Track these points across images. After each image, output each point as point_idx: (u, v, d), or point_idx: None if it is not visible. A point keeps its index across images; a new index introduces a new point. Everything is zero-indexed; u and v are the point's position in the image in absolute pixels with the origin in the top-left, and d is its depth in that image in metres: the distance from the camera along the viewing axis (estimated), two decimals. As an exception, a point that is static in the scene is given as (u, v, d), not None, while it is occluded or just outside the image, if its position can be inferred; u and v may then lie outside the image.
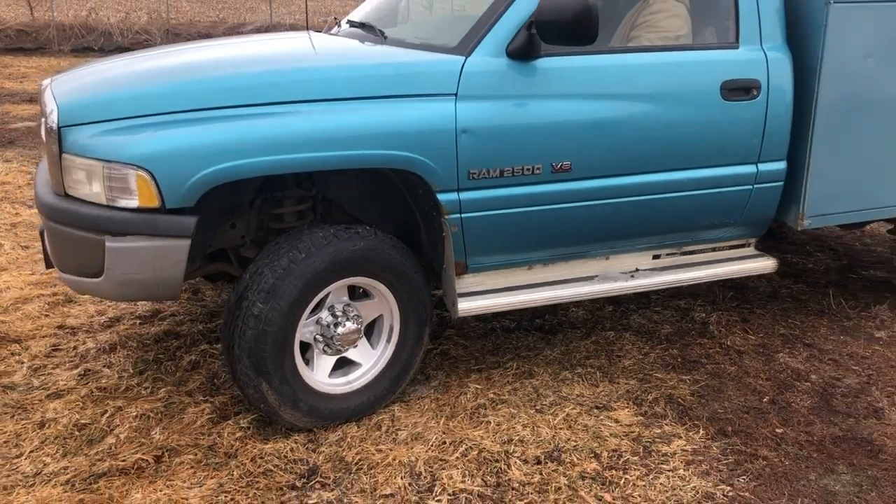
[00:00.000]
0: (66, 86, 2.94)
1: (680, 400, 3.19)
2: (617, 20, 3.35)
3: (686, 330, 3.87)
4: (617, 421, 3.01)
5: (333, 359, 2.96)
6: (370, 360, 3.02)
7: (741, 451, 2.85)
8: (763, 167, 3.36)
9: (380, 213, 3.22)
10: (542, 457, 2.76)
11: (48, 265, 3.16)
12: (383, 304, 2.99)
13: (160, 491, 2.53)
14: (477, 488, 2.58)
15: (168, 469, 2.66)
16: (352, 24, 3.74)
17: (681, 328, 3.89)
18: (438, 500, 2.52)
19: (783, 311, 4.14)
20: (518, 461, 2.73)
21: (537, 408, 3.09)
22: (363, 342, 3.01)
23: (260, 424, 2.93)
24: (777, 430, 3.00)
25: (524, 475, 2.65)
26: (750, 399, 3.23)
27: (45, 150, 2.87)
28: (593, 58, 3.04)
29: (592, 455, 2.79)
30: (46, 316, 3.87)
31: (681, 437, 2.92)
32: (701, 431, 2.96)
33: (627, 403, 3.15)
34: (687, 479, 2.67)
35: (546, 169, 2.96)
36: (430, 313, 3.08)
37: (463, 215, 2.90)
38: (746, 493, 2.61)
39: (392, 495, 2.54)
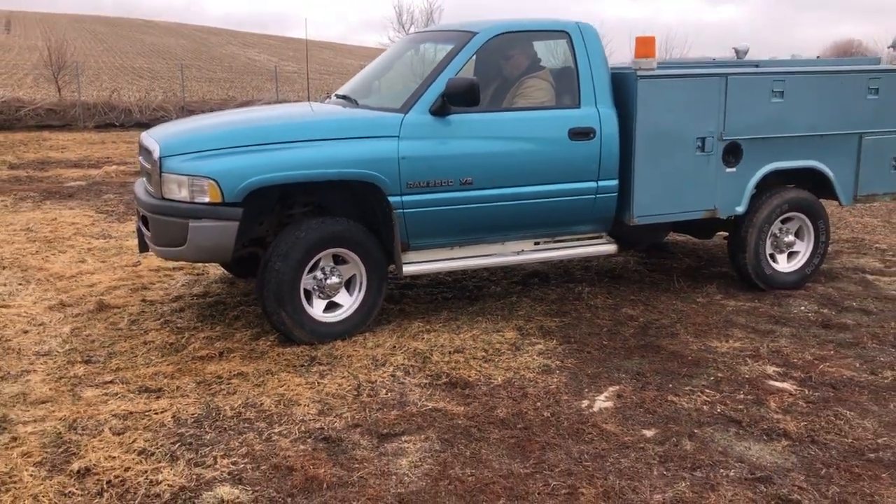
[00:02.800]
0: (159, 134, 4.87)
1: (547, 329, 5.01)
2: (505, 92, 5.28)
3: (566, 297, 5.70)
4: (504, 337, 4.82)
5: (325, 302, 4.78)
6: (348, 302, 4.83)
7: (575, 350, 4.65)
8: (601, 183, 5.20)
9: (355, 213, 5.04)
10: (452, 351, 4.56)
11: (142, 250, 5.05)
12: (356, 267, 4.82)
13: (223, 367, 4.32)
14: (410, 364, 4.38)
15: (226, 359, 4.46)
16: (338, 96, 5.70)
17: (563, 296, 5.72)
18: (387, 368, 4.31)
19: (640, 288, 5.98)
20: (437, 353, 4.53)
21: (455, 332, 4.90)
22: (344, 291, 4.84)
23: (281, 342, 4.72)
24: (604, 342, 4.80)
25: (440, 358, 4.45)
26: (593, 328, 5.04)
27: (143, 173, 4.87)
28: (485, 114, 4.97)
29: (483, 351, 4.59)
30: (131, 296, 5.70)
31: (540, 344, 4.73)
32: (554, 342, 4.77)
33: (513, 330, 4.95)
34: (536, 359, 4.47)
35: (456, 182, 4.82)
36: (386, 274, 4.91)
37: (404, 211, 4.74)
38: (570, 365, 4.41)
39: (360, 367, 4.33)
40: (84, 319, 5.13)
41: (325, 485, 3.11)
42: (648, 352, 4.64)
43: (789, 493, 3.09)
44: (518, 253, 5.23)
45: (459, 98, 4.66)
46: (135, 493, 3.01)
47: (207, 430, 3.56)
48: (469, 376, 4.21)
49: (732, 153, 5.46)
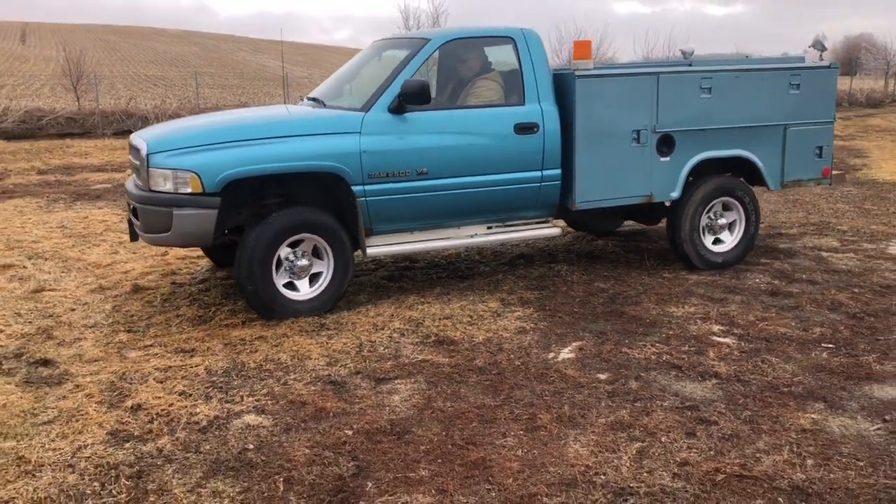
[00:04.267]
0: (147, 135, 5.42)
1: (526, 300, 5.72)
2: (459, 92, 5.87)
3: (547, 275, 6.40)
4: (488, 306, 5.53)
5: (296, 281, 5.29)
6: (317, 282, 5.34)
7: (548, 315, 5.36)
8: (545, 172, 5.78)
9: (323, 203, 5.47)
10: (441, 318, 5.28)
11: (133, 238, 5.69)
12: (324, 253, 5.33)
13: (245, 332, 5.05)
14: (405, 328, 5.10)
15: (248, 326, 5.19)
16: (309, 98, 6.24)
17: (544, 274, 6.43)
18: (385, 331, 5.03)
19: (614, 266, 6.68)
20: (429, 320, 5.25)
21: (445, 303, 5.62)
22: (315, 270, 5.35)
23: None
24: (574, 309, 5.50)
25: (431, 323, 5.17)
26: (567, 299, 5.74)
27: (133, 170, 5.53)
28: (438, 112, 5.57)
29: (468, 317, 5.30)
30: (162, 280, 6.45)
31: (519, 311, 5.43)
32: (531, 310, 5.48)
33: (496, 301, 5.66)
34: (514, 323, 5.18)
35: (413, 172, 5.38)
36: (351, 256, 5.37)
37: (367, 199, 5.29)
38: (542, 327, 5.12)
39: (362, 330, 5.05)
40: (122, 299, 5.88)
41: (331, 413, 3.83)
42: (612, 316, 5.34)
43: (709, 416, 3.78)
44: (472, 236, 5.81)
45: (413, 97, 5.24)
46: (178, 421, 3.74)
47: (234, 378, 4.29)
48: (454, 336, 4.93)
49: (666, 144, 6.06)
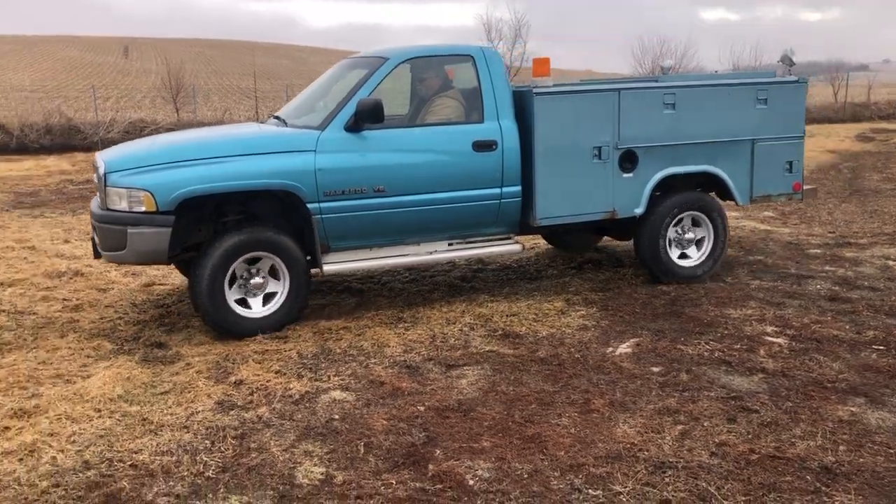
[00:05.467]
0: (107, 154, 5.46)
1: (591, 300, 6.09)
2: (419, 110, 5.90)
3: (612, 278, 6.75)
4: (553, 305, 5.93)
5: (251, 299, 5.30)
6: (273, 299, 5.36)
7: (610, 315, 5.72)
8: (505, 189, 5.75)
9: (283, 220, 5.49)
10: (509, 314, 5.70)
11: (96, 256, 5.60)
12: (279, 267, 5.33)
13: (332, 323, 5.59)
14: (474, 322, 5.54)
15: (334, 318, 5.73)
16: (274, 116, 6.24)
17: (610, 277, 6.78)
18: (456, 325, 5.49)
19: (678, 271, 6.98)
20: (497, 316, 5.68)
21: (513, 302, 6.04)
22: (271, 287, 5.35)
23: (376, 307, 5.97)
24: (636, 310, 5.85)
25: (499, 319, 5.60)
26: (629, 300, 6.09)
27: (97, 188, 5.44)
28: (395, 130, 5.57)
29: (534, 315, 5.71)
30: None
31: (582, 311, 5.82)
32: (594, 309, 5.85)
33: (562, 301, 6.06)
34: (577, 320, 5.57)
35: (370, 190, 5.37)
36: (307, 273, 5.37)
37: (322, 216, 5.28)
38: (603, 325, 5.49)
39: (436, 324, 5.52)
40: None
41: (406, 392, 4.32)
42: (671, 317, 5.66)
43: (752, 406, 4.10)
44: (431, 253, 5.83)
45: (367, 115, 5.27)
46: (275, 395, 4.30)
47: (322, 361, 4.84)
48: (520, 331, 5.36)
49: (629, 160, 6.05)
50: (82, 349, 5.08)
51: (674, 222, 6.37)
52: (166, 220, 5.00)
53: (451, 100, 5.86)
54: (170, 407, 4.15)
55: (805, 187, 6.84)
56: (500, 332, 5.35)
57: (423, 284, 6.74)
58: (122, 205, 5.05)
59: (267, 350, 5.03)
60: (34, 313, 5.96)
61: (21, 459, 3.56)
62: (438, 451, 3.64)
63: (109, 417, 4.01)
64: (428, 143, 5.60)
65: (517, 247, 6.07)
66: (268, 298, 5.40)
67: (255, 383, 4.45)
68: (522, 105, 5.86)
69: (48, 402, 4.17)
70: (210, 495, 3.26)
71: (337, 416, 4.03)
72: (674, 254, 6.45)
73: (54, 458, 3.57)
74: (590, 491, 3.27)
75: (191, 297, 5.30)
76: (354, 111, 5.36)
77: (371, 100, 5.29)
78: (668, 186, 6.34)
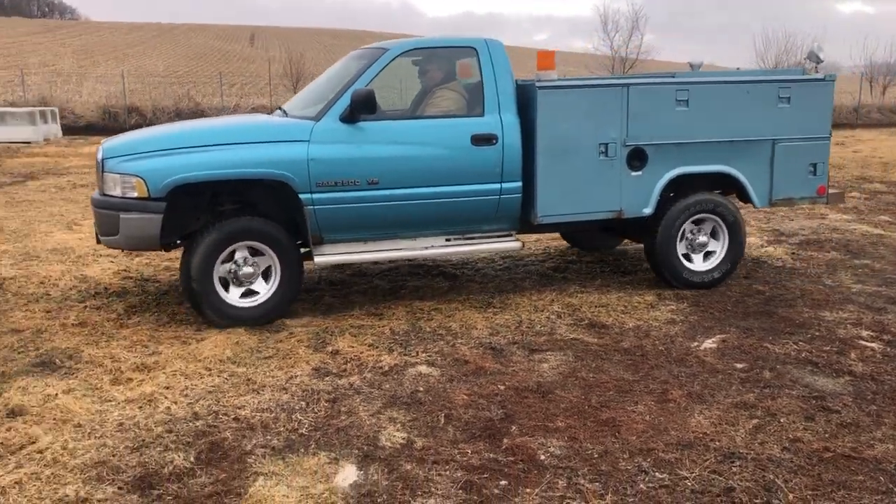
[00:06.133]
0: (108, 141, 5.52)
1: (682, 295, 6.11)
2: (420, 102, 5.82)
3: (707, 275, 6.71)
4: (644, 299, 5.99)
5: (240, 289, 5.31)
6: (264, 290, 5.34)
7: (700, 311, 5.74)
8: (505, 185, 5.58)
9: (279, 210, 5.46)
10: (597, 305, 5.81)
11: (98, 241, 5.48)
12: (270, 258, 5.31)
13: (425, 304, 5.86)
14: (562, 311, 5.69)
15: (427, 299, 6.00)
16: (279, 108, 6.23)
17: (704, 274, 6.75)
18: (543, 313, 5.65)
19: (777, 272, 6.88)
20: (585, 306, 5.80)
21: (603, 293, 6.14)
22: (260, 280, 5.34)
23: (469, 291, 6.21)
24: (727, 307, 5.84)
25: (587, 309, 5.72)
26: (722, 298, 6.07)
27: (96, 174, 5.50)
28: (392, 121, 5.47)
29: (623, 307, 5.80)
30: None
31: (673, 305, 5.86)
32: (685, 304, 5.88)
33: (653, 295, 6.10)
34: (665, 314, 5.63)
35: (363, 182, 5.28)
36: (300, 265, 5.38)
37: (315, 207, 5.21)
38: (692, 320, 5.52)
39: (523, 310, 5.70)
40: (328, 271, 6.93)
41: (488, 372, 4.54)
42: (762, 316, 5.62)
43: (833, 406, 4.08)
44: (427, 248, 5.70)
45: (361, 106, 5.19)
46: (366, 365, 4.61)
47: (412, 338, 5.11)
48: (606, 321, 5.47)
49: (637, 158, 5.83)
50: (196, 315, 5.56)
51: (686, 224, 6.12)
52: (158, 206, 5.00)
53: (451, 92, 5.78)
54: (272, 370, 4.52)
55: (831, 191, 6.47)
56: (586, 321, 5.48)
57: (515, 272, 6.93)
58: (117, 191, 5.09)
59: (363, 325, 5.35)
60: (157, 281, 6.53)
61: (140, 407, 4.00)
62: (514, 428, 3.84)
63: (218, 376, 4.42)
64: (424, 136, 5.48)
65: (516, 244, 5.87)
66: (251, 293, 5.37)
67: (350, 354, 4.77)
68: (526, 99, 5.71)
69: (166, 360, 4.63)
70: (302, 450, 3.58)
71: (421, 389, 4.29)
72: (686, 258, 6.22)
73: (168, 408, 4.00)
74: (656, 473, 3.39)
75: (180, 283, 5.33)
76: (349, 102, 5.28)
77: (364, 90, 5.20)
78: (682, 187, 6.10)
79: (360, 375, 4.46)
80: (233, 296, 5.30)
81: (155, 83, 33.48)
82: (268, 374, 4.47)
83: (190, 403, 4.05)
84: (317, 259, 5.41)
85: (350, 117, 5.31)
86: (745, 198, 6.27)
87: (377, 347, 4.91)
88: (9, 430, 3.70)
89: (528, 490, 3.26)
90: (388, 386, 4.32)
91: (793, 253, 7.63)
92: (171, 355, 4.70)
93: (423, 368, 4.58)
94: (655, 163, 5.88)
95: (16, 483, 3.24)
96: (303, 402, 4.09)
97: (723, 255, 6.23)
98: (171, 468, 3.40)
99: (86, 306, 5.77)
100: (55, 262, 7.11)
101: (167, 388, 4.23)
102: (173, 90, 31.16)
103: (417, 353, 4.83)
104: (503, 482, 3.32)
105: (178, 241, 5.66)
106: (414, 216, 5.54)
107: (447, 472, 3.39)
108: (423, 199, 5.47)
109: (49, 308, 5.74)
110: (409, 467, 3.43)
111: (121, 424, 3.80)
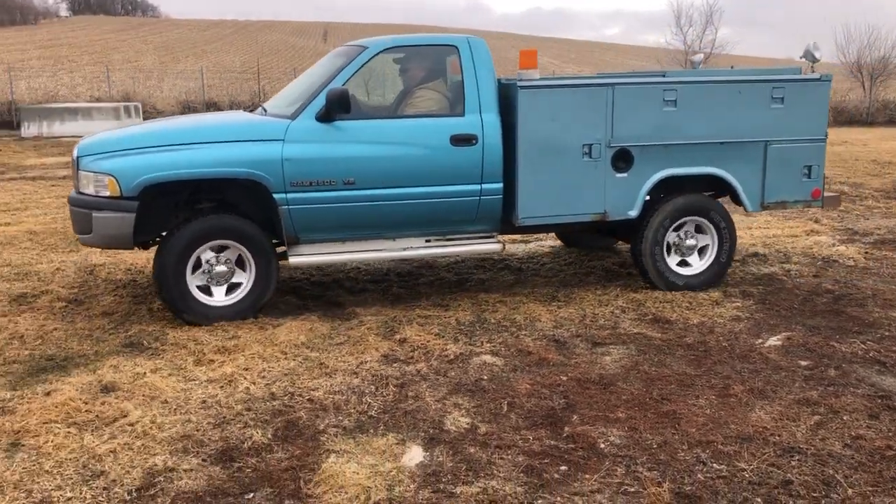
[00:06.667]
0: (84, 139, 5.49)
1: (748, 293, 6.10)
2: (400, 101, 5.72)
3: (776, 273, 6.67)
4: (710, 296, 5.99)
5: (215, 287, 5.27)
6: (239, 288, 5.32)
7: (766, 308, 5.72)
8: (485, 186, 5.49)
9: (256, 209, 5.39)
10: (662, 301, 5.85)
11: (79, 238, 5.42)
12: (245, 257, 5.29)
13: (490, 296, 6.00)
14: (626, 306, 5.75)
15: (492, 292, 6.14)
16: (262, 106, 6.07)
17: (774, 272, 6.71)
18: (608, 307, 5.73)
19: (848, 272, 6.77)
20: (650, 301, 5.85)
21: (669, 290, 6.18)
22: (237, 277, 5.31)
23: (533, 285, 6.32)
24: (794, 305, 5.80)
25: (651, 305, 5.77)
26: (789, 296, 6.03)
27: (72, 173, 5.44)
28: (369, 121, 5.38)
29: (688, 303, 5.82)
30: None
31: (738, 302, 5.85)
32: (750, 302, 5.87)
33: (719, 291, 6.09)
34: (730, 311, 5.63)
35: (339, 182, 5.22)
36: (274, 264, 5.32)
37: (290, 207, 5.18)
38: (757, 317, 5.52)
39: (587, 304, 5.78)
40: (396, 263, 7.14)
41: (551, 363, 4.66)
42: (830, 315, 5.58)
43: (898, 406, 4.07)
44: (406, 249, 5.63)
45: (335, 106, 5.11)
46: (433, 353, 4.78)
47: (477, 328, 5.27)
48: (671, 317, 5.51)
49: (623, 159, 5.71)
50: (274, 302, 5.83)
51: (673, 227, 5.98)
52: (130, 205, 4.97)
53: (432, 91, 5.68)
54: (343, 356, 4.74)
55: (826, 194, 6.32)
56: (650, 316, 5.53)
57: (580, 268, 7.00)
58: (90, 189, 5.09)
59: (429, 315, 5.53)
60: (236, 270, 6.85)
61: (222, 387, 4.26)
62: (575, 417, 3.95)
63: (293, 359, 4.66)
64: (402, 136, 5.39)
65: (497, 246, 5.77)
66: (232, 288, 5.36)
67: (417, 342, 4.95)
68: (508, 99, 5.60)
69: (244, 343, 4.89)
70: (371, 430, 3.77)
71: (486, 377, 4.44)
72: (672, 261, 6.08)
73: (247, 388, 4.25)
74: (714, 465, 3.46)
75: (154, 280, 5.29)
76: (325, 101, 5.20)
77: (339, 89, 5.12)
78: (671, 189, 5.98)
79: (427, 363, 4.64)
80: (203, 293, 5.29)
81: (231, 79, 34.45)
82: (339, 359, 4.69)
83: (267, 384, 4.30)
84: (291, 259, 5.37)
85: (326, 116, 5.24)
86: (738, 200, 6.13)
87: (443, 337, 5.08)
88: (103, 403, 4.01)
89: (587, 476, 3.37)
90: (453, 373, 4.49)
91: (866, 252, 7.49)
92: (249, 339, 4.97)
93: (488, 358, 4.72)
94: (641, 164, 5.76)
95: (111, 452, 3.52)
96: (372, 387, 4.29)
97: (712, 257, 6.11)
98: (250, 443, 3.63)
99: (170, 292, 6.12)
100: (141, 251, 7.52)
101: (246, 369, 4.49)
102: (249, 86, 32.03)
103: (482, 343, 4.98)
104: (563, 467, 3.44)
105: (158, 240, 5.63)
106: (392, 217, 5.47)
107: (509, 457, 3.53)
108: (401, 199, 5.41)
109: (136, 293, 6.10)
110: (472, 450, 3.59)
111: (204, 402, 4.06)
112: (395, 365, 4.61)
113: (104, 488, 3.23)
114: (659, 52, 44.64)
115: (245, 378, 4.37)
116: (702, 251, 6.14)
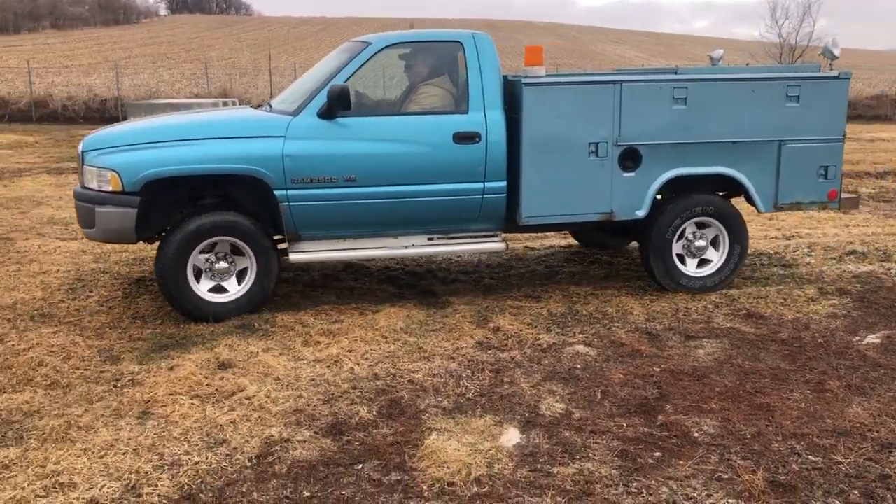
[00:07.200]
0: (88, 135, 5.49)
1: (845, 290, 6.00)
2: (404, 98, 5.69)
3: (876, 272, 6.54)
4: (805, 293, 5.93)
5: (214, 283, 5.28)
6: (239, 286, 5.32)
7: (864, 307, 5.63)
8: (488, 184, 5.42)
9: (260, 206, 5.39)
10: (757, 297, 5.84)
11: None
12: (247, 255, 5.28)
13: (581, 289, 6.10)
14: (720, 301, 5.76)
15: (584, 285, 6.24)
16: (267, 103, 6.10)
17: (873, 270, 6.57)
18: (701, 302, 5.75)
19: (954, 270, 6.56)
20: (744, 297, 5.83)
21: (762, 285, 6.13)
22: (235, 277, 5.33)
23: (626, 278, 6.39)
24: (894, 304, 5.69)
25: (745, 300, 5.76)
26: (890, 294, 5.91)
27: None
28: (371, 118, 5.38)
29: (782, 299, 5.79)
30: (518, 244, 7.78)
31: (835, 300, 5.78)
32: (847, 300, 5.79)
33: (814, 289, 6.02)
34: (826, 308, 5.58)
35: (340, 179, 5.20)
36: (274, 260, 5.30)
37: (290, 203, 5.17)
38: (854, 315, 5.44)
39: (680, 300, 5.81)
40: (487, 256, 7.31)
41: (644, 354, 4.74)
42: (934, 314, 5.46)
43: None
44: (407, 247, 5.58)
45: (336, 103, 5.10)
46: (526, 342, 4.93)
47: (570, 320, 5.39)
48: (765, 313, 5.50)
49: (630, 158, 5.58)
50: (373, 290, 6.09)
51: (683, 227, 5.85)
52: (131, 200, 5.01)
53: (436, 88, 5.61)
54: (440, 341, 4.94)
55: (844, 196, 6.12)
56: (744, 311, 5.54)
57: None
58: (94, 184, 5.14)
59: (521, 306, 5.68)
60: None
61: (328, 366, 4.53)
62: (668, 406, 4.04)
63: (393, 343, 4.89)
64: (404, 133, 5.35)
65: (501, 245, 5.70)
66: (237, 281, 5.37)
67: (510, 331, 5.12)
68: (512, 96, 5.52)
69: (347, 327, 5.16)
70: (469, 411, 3.96)
71: (579, 366, 4.56)
72: (683, 261, 5.95)
73: (352, 368, 4.50)
74: (809, 456, 3.50)
75: (156, 276, 5.31)
76: (326, 97, 5.19)
77: (339, 86, 5.10)
78: (681, 188, 5.85)
79: (521, 351, 4.80)
80: (203, 289, 5.29)
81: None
82: (436, 344, 4.89)
83: (370, 365, 4.54)
84: (291, 256, 5.38)
85: (328, 113, 5.22)
86: (751, 200, 5.98)
87: (535, 326, 5.23)
88: (221, 379, 4.32)
89: (681, 462, 3.47)
90: (546, 361, 4.63)
91: (975, 252, 7.24)
92: (352, 323, 5.23)
93: (581, 348, 4.84)
94: (650, 163, 5.64)
95: (231, 422, 3.82)
96: (469, 371, 4.48)
97: (723, 258, 5.95)
98: (357, 419, 3.87)
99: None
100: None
101: (350, 351, 4.74)
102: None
103: (574, 333, 5.10)
104: (657, 453, 3.55)
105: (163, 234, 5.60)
106: (393, 215, 5.44)
107: (604, 442, 3.66)
108: (402, 197, 5.36)
109: (243, 279, 6.47)
110: (567, 434, 3.73)
111: (313, 380, 4.33)
112: (489, 352, 4.78)
113: (227, 455, 3.52)
114: (753, 45, 43.38)
115: (349, 359, 4.62)
116: (710, 252, 5.99)
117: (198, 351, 4.75)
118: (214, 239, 5.20)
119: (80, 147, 5.32)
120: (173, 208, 5.45)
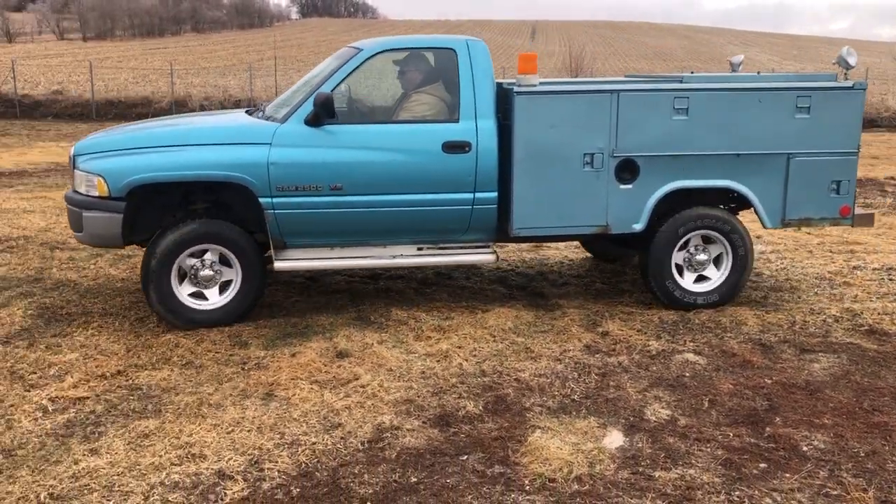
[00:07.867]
0: (80, 141, 5.45)
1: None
2: (396, 106, 5.53)
3: None
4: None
5: (200, 290, 5.23)
6: (226, 292, 5.27)
7: None
8: (479, 195, 5.29)
9: (250, 211, 5.27)
10: (882, 313, 5.61)
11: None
12: (234, 265, 5.24)
13: (695, 298, 6.04)
14: (840, 315, 5.57)
15: (698, 294, 6.17)
16: (261, 108, 5.95)
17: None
18: (819, 315, 5.58)
19: None
20: (867, 313, 5.62)
21: (888, 300, 5.88)
22: (228, 279, 5.25)
23: (752, 299, 6.28)
24: None
25: (868, 316, 5.54)
26: None
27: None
28: (359, 126, 5.27)
29: (800, 312, 5.55)
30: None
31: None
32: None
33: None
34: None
35: (325, 187, 5.12)
36: (261, 268, 5.26)
37: (275, 211, 5.11)
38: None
39: (797, 311, 5.66)
40: (591, 262, 7.33)
41: (755, 366, 4.68)
42: None
43: None
44: (395, 257, 5.45)
45: (321, 110, 5.05)
46: (634, 347, 4.96)
47: (681, 328, 5.36)
48: (889, 329, 5.29)
49: (627, 170, 5.35)
50: (483, 289, 6.25)
51: (683, 241, 5.60)
52: (117, 205, 5.03)
53: (428, 96, 5.49)
54: (547, 343, 5.04)
55: (858, 212, 5.73)
56: (866, 327, 5.34)
57: (791, 273, 6.81)
58: (83, 188, 5.17)
59: (632, 312, 5.69)
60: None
61: (438, 361, 4.72)
62: (778, 419, 3.98)
63: (501, 342, 5.03)
64: (393, 142, 5.25)
65: (491, 256, 5.55)
66: (221, 290, 5.32)
67: (619, 336, 5.15)
68: (504, 104, 5.39)
69: (457, 324, 5.34)
70: (573, 412, 4.05)
71: (687, 374, 4.55)
72: (683, 276, 5.69)
73: (460, 364, 4.67)
74: (927, 480, 3.39)
75: (141, 283, 5.28)
76: (312, 105, 5.14)
77: (324, 94, 5.06)
78: (683, 201, 5.58)
79: (629, 356, 4.83)
80: (187, 296, 5.26)
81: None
82: (544, 345, 4.99)
83: (478, 362, 4.69)
84: (277, 264, 5.31)
85: (314, 121, 5.16)
86: (757, 214, 5.69)
87: (645, 333, 5.23)
88: (339, 367, 4.59)
89: (787, 475, 3.43)
90: (654, 368, 4.64)
91: None
92: (462, 321, 5.40)
93: (690, 356, 4.82)
94: (648, 176, 5.42)
95: (346, 408, 4.06)
96: (575, 373, 4.55)
97: (726, 274, 5.69)
98: (463, 412, 4.03)
99: (390, 276, 6.72)
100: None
101: (459, 347, 4.92)
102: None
103: (685, 341, 5.08)
104: (763, 465, 3.52)
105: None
106: (380, 224, 5.37)
107: (708, 450, 3.66)
108: (389, 206, 5.28)
109: (363, 274, 6.76)
110: (671, 440, 3.75)
111: (423, 373, 4.53)
112: (597, 355, 4.84)
113: (342, 437, 3.76)
114: (895, 47, 40.80)
115: (458, 355, 4.79)
116: (715, 266, 5.74)
117: (318, 340, 5.04)
118: (204, 246, 5.21)
119: (72, 151, 5.39)
120: (164, 212, 5.44)
